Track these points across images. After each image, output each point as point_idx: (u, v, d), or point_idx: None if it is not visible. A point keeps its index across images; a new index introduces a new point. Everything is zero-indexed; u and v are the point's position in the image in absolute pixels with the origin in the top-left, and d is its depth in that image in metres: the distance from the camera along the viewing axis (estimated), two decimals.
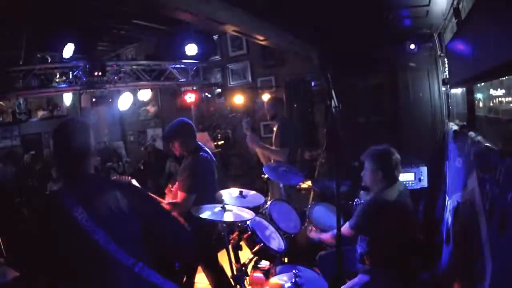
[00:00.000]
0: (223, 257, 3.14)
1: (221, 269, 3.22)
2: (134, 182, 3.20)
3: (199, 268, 3.22)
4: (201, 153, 3.09)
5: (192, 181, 2.88)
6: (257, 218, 3.12)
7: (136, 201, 1.69)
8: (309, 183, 4.42)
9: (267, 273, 2.98)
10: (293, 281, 2.43)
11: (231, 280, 2.85)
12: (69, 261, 1.55)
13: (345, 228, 2.65)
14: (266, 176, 3.80)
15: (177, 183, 3.11)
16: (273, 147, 4.30)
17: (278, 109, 4.52)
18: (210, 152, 3.23)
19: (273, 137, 4.40)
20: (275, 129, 4.42)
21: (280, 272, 2.76)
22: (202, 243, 2.98)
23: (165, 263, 1.84)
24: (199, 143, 3.20)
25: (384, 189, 2.63)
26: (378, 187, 2.67)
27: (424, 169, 4.20)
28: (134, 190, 1.79)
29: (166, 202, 2.98)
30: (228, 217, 2.62)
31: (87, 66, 4.68)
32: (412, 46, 5.17)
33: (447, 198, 3.50)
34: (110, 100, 6.35)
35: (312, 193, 4.31)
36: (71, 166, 1.69)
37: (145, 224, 1.67)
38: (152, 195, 1.99)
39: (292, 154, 4.29)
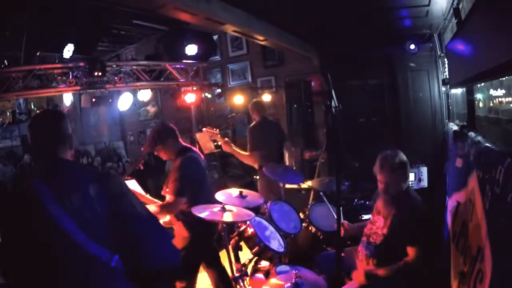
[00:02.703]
0: (223, 257, 3.14)
1: (224, 269, 3.21)
2: (134, 182, 3.19)
3: (200, 268, 3.21)
4: (188, 154, 3.00)
5: (180, 183, 2.79)
6: (257, 218, 3.12)
7: (114, 195, 1.59)
8: (309, 183, 4.43)
9: (267, 273, 2.98)
10: (293, 281, 2.43)
11: (232, 280, 2.85)
12: (40, 252, 1.47)
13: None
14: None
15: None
16: (245, 152, 4.52)
17: (254, 113, 4.78)
18: (197, 152, 3.18)
19: None
20: None
21: (280, 273, 2.75)
22: (203, 242, 2.99)
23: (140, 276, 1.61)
24: (184, 144, 3.12)
25: (408, 189, 2.70)
26: (401, 191, 2.66)
27: (424, 169, 4.20)
28: (114, 183, 1.64)
29: (157, 204, 2.92)
30: (228, 217, 2.62)
31: (87, 66, 4.67)
32: (412, 46, 5.17)
33: (447, 198, 3.50)
34: (110, 100, 6.35)
35: (312, 193, 4.32)
36: (42, 150, 1.66)
37: (119, 221, 1.56)
38: (134, 193, 1.81)
39: (271, 154, 4.47)
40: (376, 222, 2.73)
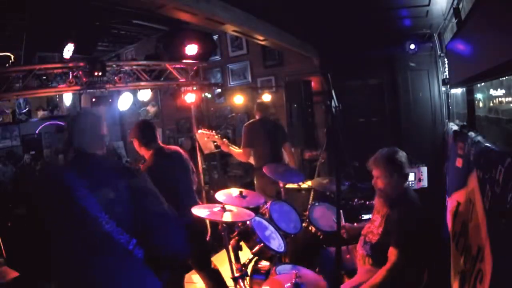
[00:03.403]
0: (223, 257, 3.14)
1: (216, 270, 3.21)
2: None
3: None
4: (156, 156, 3.04)
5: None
6: (257, 218, 3.12)
7: (139, 189, 1.78)
8: (309, 183, 4.43)
9: (267, 273, 2.98)
10: (293, 281, 2.43)
11: (232, 280, 2.85)
12: (64, 230, 1.66)
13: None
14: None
15: None
16: (239, 150, 4.60)
17: (257, 113, 4.85)
18: (170, 152, 3.17)
19: None
20: None
21: (280, 272, 2.75)
22: (194, 243, 2.99)
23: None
24: (158, 148, 3.12)
25: (407, 190, 2.66)
26: (397, 190, 2.63)
27: (424, 169, 4.20)
28: (140, 179, 1.84)
29: None
30: (228, 217, 2.62)
31: (87, 66, 4.66)
32: (412, 46, 5.17)
33: (447, 198, 3.50)
34: (110, 100, 6.34)
35: (312, 193, 4.32)
36: (80, 146, 1.83)
37: (141, 212, 1.73)
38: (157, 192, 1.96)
39: (267, 153, 4.52)
40: (375, 221, 2.73)
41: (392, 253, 2.42)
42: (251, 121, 4.88)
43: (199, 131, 4.76)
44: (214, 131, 4.68)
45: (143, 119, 2.97)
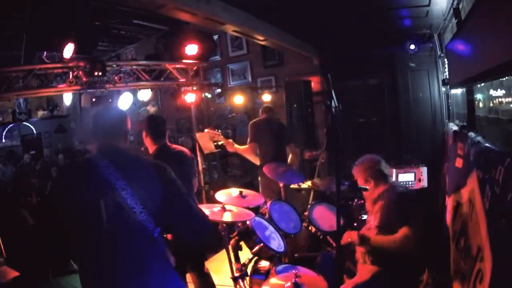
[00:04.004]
0: (223, 257, 3.14)
1: (207, 273, 3.21)
2: None
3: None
4: (158, 152, 3.08)
5: None
6: (257, 218, 3.12)
7: (166, 180, 1.85)
8: (309, 183, 4.43)
9: (267, 273, 2.98)
10: (293, 281, 2.43)
11: (232, 280, 2.85)
12: (97, 213, 1.68)
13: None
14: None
15: None
16: (245, 146, 4.67)
17: (262, 114, 4.93)
18: (174, 152, 3.18)
19: None
20: None
21: (280, 272, 2.75)
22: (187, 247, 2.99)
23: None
24: (162, 144, 3.14)
25: (392, 184, 2.76)
26: (379, 190, 2.73)
27: (424, 169, 4.20)
28: (166, 171, 1.89)
29: None
30: (228, 217, 2.62)
31: (87, 66, 4.66)
32: (412, 46, 5.17)
33: (447, 198, 3.50)
34: (110, 100, 6.34)
35: (312, 193, 4.32)
36: (105, 138, 1.90)
37: (167, 202, 1.80)
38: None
39: (271, 151, 4.60)
40: (369, 221, 2.79)
41: (402, 230, 2.46)
42: (257, 119, 4.96)
43: (205, 130, 4.79)
44: (219, 131, 4.71)
45: (159, 115, 3.06)
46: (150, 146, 3.15)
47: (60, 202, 1.76)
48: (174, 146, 3.28)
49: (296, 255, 3.43)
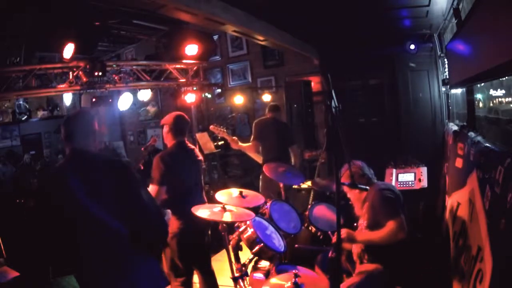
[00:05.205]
0: (223, 257, 3.14)
1: (213, 273, 3.23)
2: None
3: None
4: (176, 146, 3.13)
5: (158, 173, 2.93)
6: (257, 218, 3.12)
7: (125, 179, 2.02)
8: (309, 183, 4.43)
9: (267, 273, 2.98)
10: (293, 281, 2.43)
11: (232, 280, 2.85)
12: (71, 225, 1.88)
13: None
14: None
15: None
16: (248, 143, 4.72)
17: (269, 113, 4.93)
18: (191, 149, 3.23)
19: None
20: None
21: (280, 272, 2.75)
22: (193, 243, 3.01)
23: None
24: (181, 141, 3.18)
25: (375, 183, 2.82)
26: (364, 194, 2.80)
27: (424, 169, 4.20)
28: (127, 171, 2.08)
29: None
30: (228, 217, 2.62)
31: (87, 66, 4.66)
32: (412, 46, 5.17)
33: (447, 198, 3.51)
34: (110, 100, 6.34)
35: (312, 193, 4.32)
36: (73, 143, 2.02)
37: (127, 200, 1.98)
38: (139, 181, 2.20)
39: (274, 151, 4.62)
40: (361, 224, 2.81)
41: (389, 224, 2.49)
42: (262, 117, 5.00)
43: (211, 126, 4.80)
44: (225, 128, 4.73)
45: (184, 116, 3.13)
46: (170, 141, 3.22)
47: (46, 207, 2.00)
48: (189, 144, 3.35)
49: (296, 245, 3.46)
